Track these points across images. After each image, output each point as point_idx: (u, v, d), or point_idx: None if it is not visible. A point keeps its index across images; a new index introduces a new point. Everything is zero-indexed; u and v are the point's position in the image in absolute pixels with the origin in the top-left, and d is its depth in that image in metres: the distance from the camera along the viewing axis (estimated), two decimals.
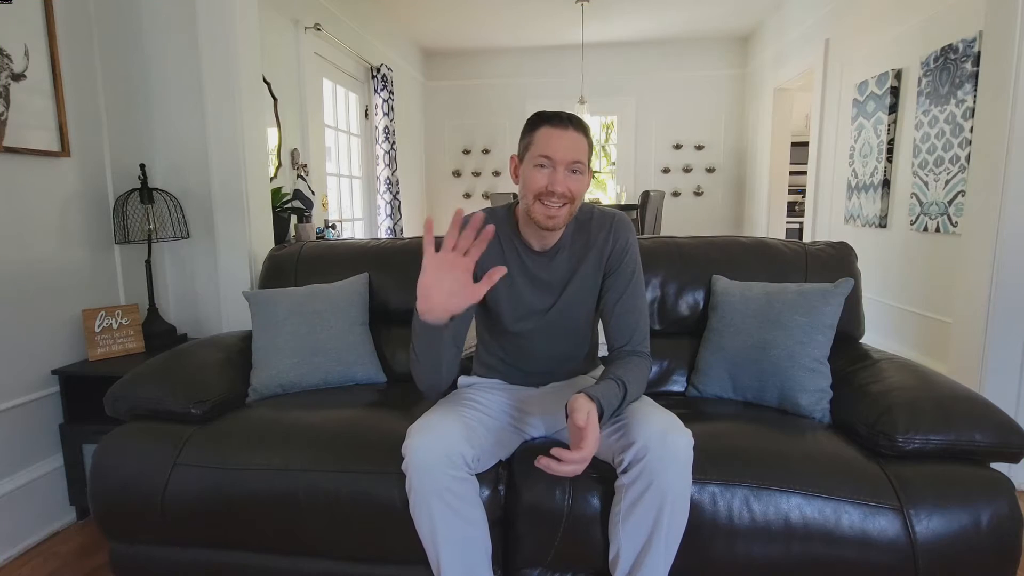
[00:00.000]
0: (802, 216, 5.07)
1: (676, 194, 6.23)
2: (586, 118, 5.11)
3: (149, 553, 1.38)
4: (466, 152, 6.47)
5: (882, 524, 1.12)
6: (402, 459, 1.12)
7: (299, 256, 1.90)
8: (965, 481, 1.15)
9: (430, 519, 1.10)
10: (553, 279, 1.35)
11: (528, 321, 1.37)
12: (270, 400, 1.57)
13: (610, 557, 1.15)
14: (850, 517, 1.13)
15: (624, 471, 1.11)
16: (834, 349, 1.49)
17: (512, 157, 1.33)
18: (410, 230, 5.75)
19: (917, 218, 2.94)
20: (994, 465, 1.21)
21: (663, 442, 1.08)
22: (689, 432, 1.12)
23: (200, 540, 1.34)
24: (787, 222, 5.36)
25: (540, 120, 1.25)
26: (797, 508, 1.14)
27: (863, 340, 1.68)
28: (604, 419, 1.13)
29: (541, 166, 1.22)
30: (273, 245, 2.30)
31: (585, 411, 1.07)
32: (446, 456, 1.10)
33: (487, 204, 6.28)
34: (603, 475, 1.20)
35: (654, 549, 1.09)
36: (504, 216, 1.38)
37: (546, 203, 1.22)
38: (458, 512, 1.11)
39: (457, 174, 6.53)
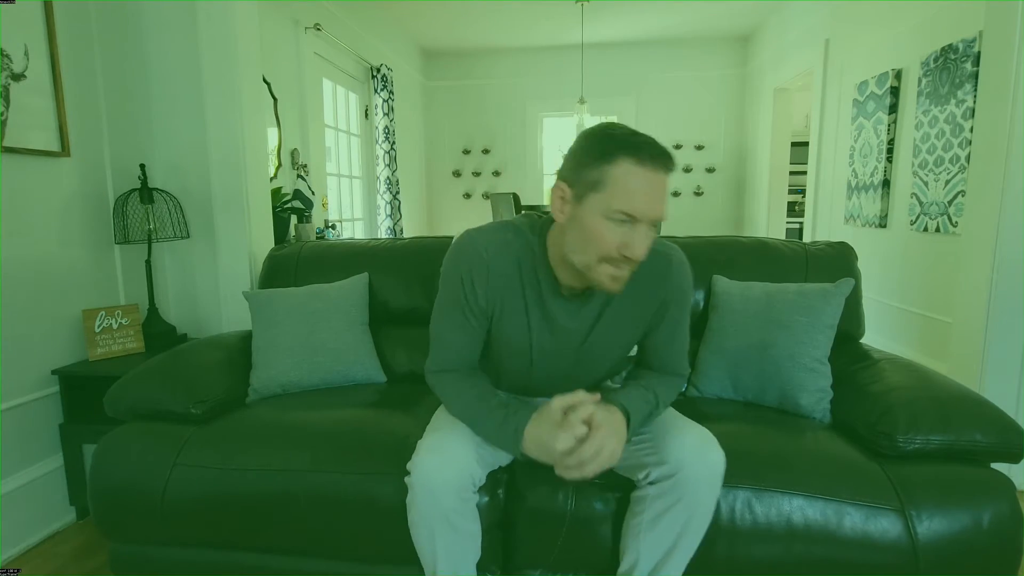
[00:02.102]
0: (802, 216, 5.06)
1: (676, 194, 6.23)
2: (586, 118, 5.09)
3: (149, 553, 1.37)
4: (466, 152, 6.46)
5: (883, 525, 1.12)
6: (407, 472, 1.09)
7: (299, 256, 1.90)
8: (966, 481, 1.15)
9: (431, 539, 1.07)
10: (581, 328, 1.14)
11: (540, 368, 1.20)
12: (270, 400, 1.57)
13: (624, 567, 1.12)
14: (851, 518, 1.13)
15: (651, 483, 1.08)
16: (834, 349, 1.49)
17: (560, 185, 1.00)
18: (410, 230, 5.75)
19: (917, 218, 2.94)
20: (995, 465, 1.21)
21: (701, 460, 1.04)
22: (722, 449, 1.08)
23: (200, 540, 1.33)
24: (787, 222, 5.36)
25: (620, 149, 0.94)
26: (799, 510, 1.14)
27: (863, 340, 1.68)
28: (629, 432, 1.07)
29: (620, 220, 0.95)
30: (273, 245, 2.30)
31: (612, 426, 1.00)
32: (457, 479, 1.04)
33: (486, 203, 6.28)
34: (604, 479, 1.19)
35: (673, 560, 1.08)
36: (529, 242, 1.09)
37: (618, 266, 0.98)
38: (458, 529, 1.08)
39: (457, 174, 6.52)
